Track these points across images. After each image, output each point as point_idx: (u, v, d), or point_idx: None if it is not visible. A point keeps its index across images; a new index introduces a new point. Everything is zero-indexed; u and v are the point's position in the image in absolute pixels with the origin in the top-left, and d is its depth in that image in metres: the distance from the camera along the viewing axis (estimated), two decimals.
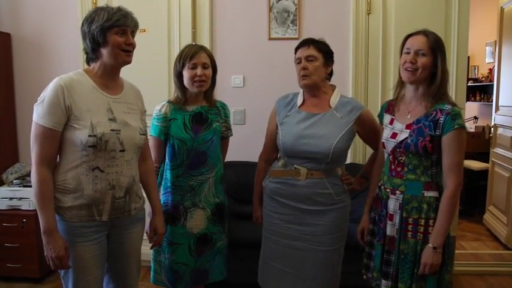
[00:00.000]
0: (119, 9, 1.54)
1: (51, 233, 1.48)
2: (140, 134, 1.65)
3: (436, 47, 1.61)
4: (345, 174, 1.92)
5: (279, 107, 1.97)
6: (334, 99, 1.88)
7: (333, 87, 1.94)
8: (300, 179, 1.85)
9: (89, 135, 1.48)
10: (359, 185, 1.99)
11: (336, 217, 1.86)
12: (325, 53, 1.87)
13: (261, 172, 2.04)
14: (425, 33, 1.64)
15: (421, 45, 1.62)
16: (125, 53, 1.55)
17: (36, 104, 1.50)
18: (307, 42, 1.87)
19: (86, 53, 1.60)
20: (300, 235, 1.87)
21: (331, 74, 1.94)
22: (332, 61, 1.91)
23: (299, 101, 1.92)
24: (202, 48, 1.98)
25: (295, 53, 1.91)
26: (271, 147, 1.99)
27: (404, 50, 1.68)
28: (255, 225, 2.09)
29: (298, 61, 1.87)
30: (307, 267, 1.87)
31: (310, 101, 1.91)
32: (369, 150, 2.07)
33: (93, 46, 1.54)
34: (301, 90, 1.95)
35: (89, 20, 1.53)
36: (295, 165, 1.86)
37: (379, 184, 1.80)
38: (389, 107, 1.81)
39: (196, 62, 1.90)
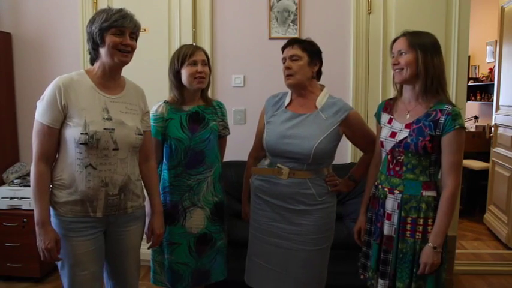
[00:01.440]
0: (119, 10, 1.58)
1: (43, 225, 1.53)
2: (137, 134, 1.66)
3: (415, 43, 1.63)
4: (330, 176, 1.90)
5: (267, 106, 1.98)
6: (321, 100, 1.86)
7: (322, 87, 1.92)
8: (282, 178, 1.84)
9: (81, 133, 1.52)
10: (346, 187, 1.96)
11: (319, 217, 1.85)
12: (311, 52, 1.85)
13: (249, 169, 2.05)
14: (404, 33, 1.69)
15: (400, 46, 1.66)
16: (121, 53, 1.58)
17: (38, 101, 1.57)
18: (291, 42, 1.87)
19: (90, 53, 1.64)
20: (283, 233, 1.87)
21: (319, 73, 1.93)
22: (319, 60, 1.89)
23: (286, 100, 1.93)
24: (199, 47, 2.01)
25: (282, 53, 1.91)
26: (261, 145, 1.99)
27: (391, 55, 1.73)
28: None
29: (284, 61, 1.87)
30: (290, 265, 1.87)
31: (297, 101, 1.91)
32: None
33: (93, 46, 1.60)
34: (289, 90, 1.95)
35: (91, 20, 1.60)
36: (278, 164, 1.86)
37: (376, 183, 1.80)
38: (386, 107, 1.81)
39: (196, 59, 1.92)
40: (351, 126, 1.86)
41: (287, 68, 1.84)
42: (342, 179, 1.94)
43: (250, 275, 2.00)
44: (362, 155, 2.00)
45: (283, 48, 1.90)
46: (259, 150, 2.02)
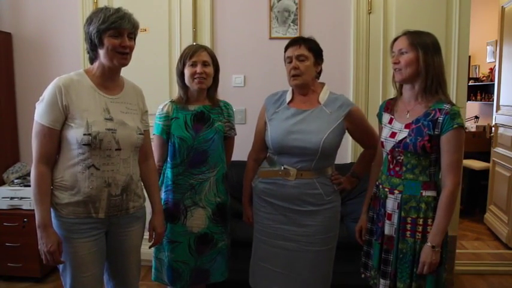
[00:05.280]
0: (117, 10, 1.55)
1: (45, 228, 1.52)
2: (138, 134, 1.66)
3: (416, 42, 1.63)
4: (335, 174, 1.90)
5: (267, 104, 1.97)
6: (323, 96, 1.87)
7: (322, 84, 1.93)
8: (289, 179, 1.83)
9: (84, 134, 1.51)
10: (349, 184, 1.96)
11: (326, 217, 1.85)
12: (316, 52, 1.86)
13: (250, 172, 2.02)
14: (405, 32, 1.68)
15: (401, 45, 1.66)
16: (120, 55, 1.56)
17: (37, 102, 1.55)
18: (298, 41, 1.86)
19: (88, 52, 1.63)
20: (290, 235, 1.86)
21: (320, 72, 1.92)
22: (322, 60, 1.90)
23: (288, 97, 1.92)
24: (203, 47, 2.00)
25: (285, 51, 1.89)
26: (261, 146, 1.98)
27: (391, 54, 1.72)
28: None
29: (289, 60, 1.86)
30: (298, 267, 1.86)
31: (299, 98, 1.91)
32: None
33: (91, 47, 1.58)
34: (290, 87, 1.94)
35: (88, 21, 1.57)
36: (284, 166, 1.84)
37: (377, 183, 1.80)
38: (388, 106, 1.81)
39: (196, 60, 1.92)
40: (354, 121, 1.87)
41: (295, 68, 1.82)
42: (345, 177, 1.95)
43: (256, 279, 1.98)
44: (362, 151, 2.00)
45: (287, 47, 1.88)
46: (259, 151, 2.01)
